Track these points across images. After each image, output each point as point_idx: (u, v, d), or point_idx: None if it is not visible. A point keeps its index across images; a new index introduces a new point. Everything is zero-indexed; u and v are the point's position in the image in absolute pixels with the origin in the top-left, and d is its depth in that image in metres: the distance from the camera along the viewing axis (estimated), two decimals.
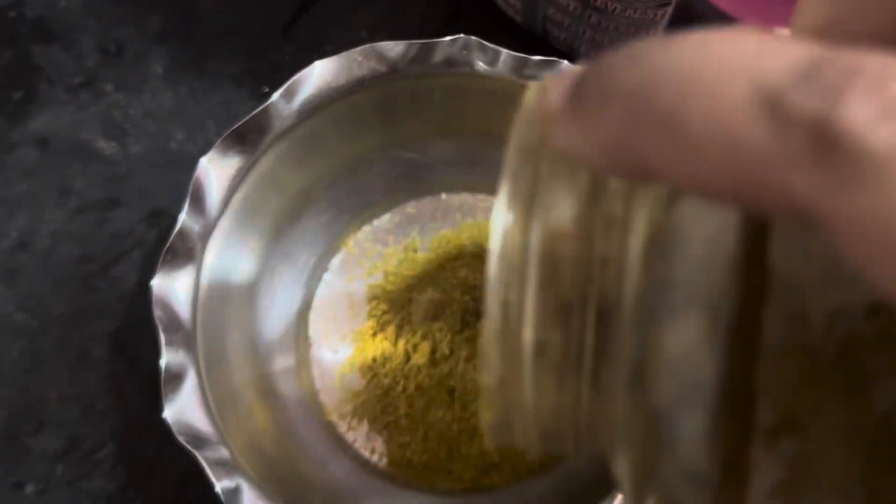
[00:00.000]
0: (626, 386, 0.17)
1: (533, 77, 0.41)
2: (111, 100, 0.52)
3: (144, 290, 0.39)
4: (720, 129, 0.11)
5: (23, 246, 0.50)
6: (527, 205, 0.17)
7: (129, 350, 0.48)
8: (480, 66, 0.41)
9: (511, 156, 0.18)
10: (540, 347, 0.17)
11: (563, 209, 0.17)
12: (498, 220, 0.17)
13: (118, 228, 0.50)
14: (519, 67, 0.41)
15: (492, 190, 0.49)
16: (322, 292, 0.49)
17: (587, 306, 0.17)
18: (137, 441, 0.47)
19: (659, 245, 0.16)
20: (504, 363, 0.18)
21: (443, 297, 0.47)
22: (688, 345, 0.16)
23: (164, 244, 0.39)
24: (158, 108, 0.52)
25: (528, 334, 0.17)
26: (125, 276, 0.49)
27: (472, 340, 0.46)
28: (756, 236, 0.15)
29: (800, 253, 0.15)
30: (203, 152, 0.40)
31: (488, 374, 0.18)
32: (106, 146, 0.51)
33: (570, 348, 0.17)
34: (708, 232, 0.16)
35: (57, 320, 0.49)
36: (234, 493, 0.37)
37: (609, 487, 0.37)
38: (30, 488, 0.47)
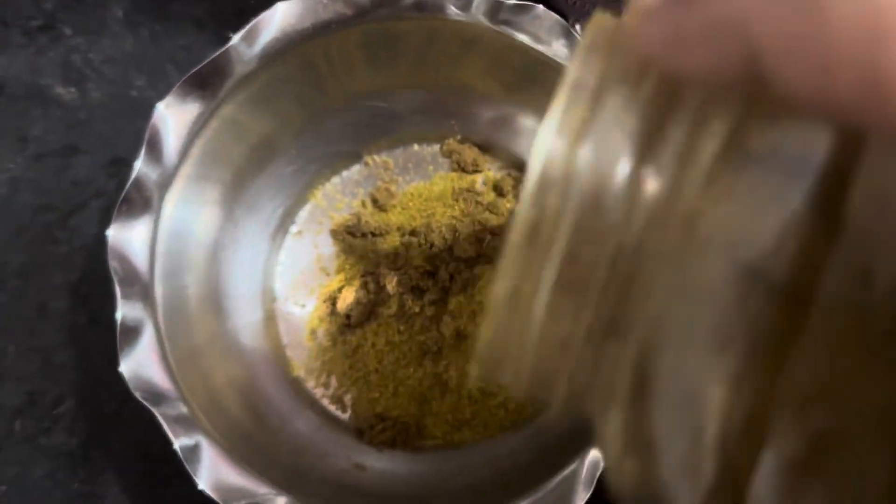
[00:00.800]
0: (632, 361, 0.16)
1: (507, 22, 0.39)
2: (70, 44, 0.50)
3: (104, 242, 0.37)
4: None
5: None
6: (578, 136, 0.16)
7: (89, 303, 0.47)
8: (452, 10, 0.39)
9: (568, 84, 0.16)
10: (567, 262, 0.16)
11: (614, 153, 0.15)
12: (544, 143, 0.16)
13: (78, 177, 0.48)
14: (493, 12, 0.39)
15: (464, 142, 0.48)
16: (289, 245, 0.47)
17: (616, 262, 0.16)
18: (98, 396, 0.46)
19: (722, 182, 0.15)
20: (522, 272, 0.16)
21: (412, 252, 0.45)
22: (715, 280, 0.15)
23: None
24: (119, 53, 0.50)
25: (557, 248, 0.16)
26: (85, 226, 0.47)
27: (441, 299, 0.45)
28: (836, 181, 0.14)
29: (880, 205, 0.14)
30: (163, 97, 0.38)
31: (503, 282, 0.16)
32: (65, 92, 0.49)
33: (595, 282, 0.16)
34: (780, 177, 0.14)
35: (14, 272, 0.47)
36: (193, 450, 0.36)
37: (580, 445, 0.36)
38: None
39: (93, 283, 0.47)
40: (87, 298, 0.47)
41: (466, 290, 0.45)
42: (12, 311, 0.47)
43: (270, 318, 0.46)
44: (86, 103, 0.49)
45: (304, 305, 0.46)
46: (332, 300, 0.46)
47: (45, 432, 0.46)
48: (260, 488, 0.36)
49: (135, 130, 0.38)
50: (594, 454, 0.35)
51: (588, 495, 0.35)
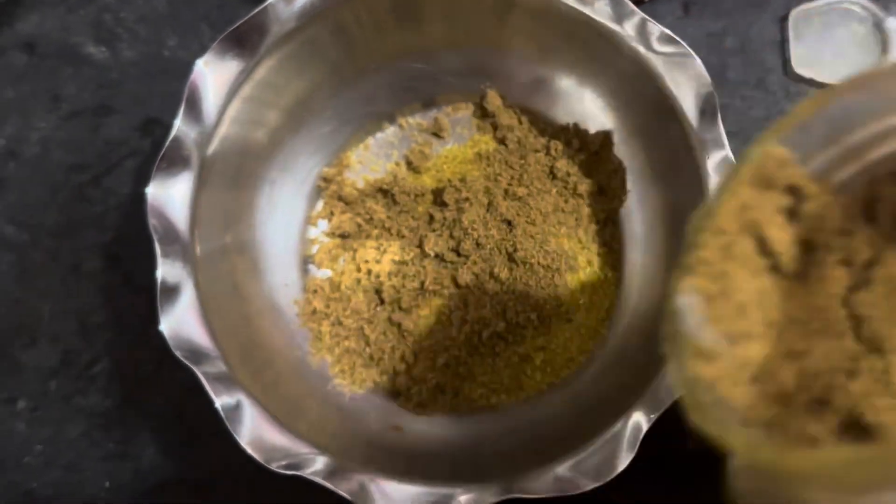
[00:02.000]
0: None
1: None
2: (102, 3, 0.49)
3: (138, 201, 0.37)
4: None
5: (11, 154, 0.48)
6: None
7: (123, 262, 0.46)
8: None
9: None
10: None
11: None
12: None
13: (111, 136, 0.48)
14: None
15: (499, 104, 0.47)
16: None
17: None
18: (134, 356, 0.46)
19: None
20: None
21: (450, 215, 0.45)
22: None
23: (158, 153, 0.37)
24: (151, 12, 0.49)
25: None
26: (118, 186, 0.47)
27: (483, 260, 0.44)
28: None
29: None
30: (197, 58, 0.38)
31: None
32: (96, 51, 0.49)
33: None
34: None
35: (49, 231, 0.47)
36: (235, 409, 0.35)
37: (620, 409, 0.36)
38: (22, 404, 0.46)
39: (127, 244, 0.46)
40: (122, 259, 0.46)
41: (502, 251, 0.44)
42: (47, 272, 0.47)
43: (306, 279, 0.46)
44: (118, 63, 0.49)
45: (340, 268, 0.46)
46: (368, 261, 0.46)
47: (81, 392, 0.46)
48: (301, 448, 0.36)
49: (168, 90, 0.38)
50: (637, 417, 0.35)
51: (631, 457, 0.35)
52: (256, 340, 0.41)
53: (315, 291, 0.45)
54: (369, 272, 0.45)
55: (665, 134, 0.40)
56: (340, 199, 0.46)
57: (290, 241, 0.46)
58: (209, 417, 0.35)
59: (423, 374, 0.44)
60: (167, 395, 0.45)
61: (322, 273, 0.46)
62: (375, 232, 0.46)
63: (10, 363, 0.46)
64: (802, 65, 0.46)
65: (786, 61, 0.47)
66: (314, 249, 0.46)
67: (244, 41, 0.38)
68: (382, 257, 0.45)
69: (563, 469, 0.35)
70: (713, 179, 0.38)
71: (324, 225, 0.47)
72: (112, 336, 0.46)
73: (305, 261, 0.46)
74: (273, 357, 0.42)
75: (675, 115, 0.39)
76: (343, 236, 0.46)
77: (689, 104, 0.38)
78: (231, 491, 0.44)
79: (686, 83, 0.39)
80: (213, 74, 0.38)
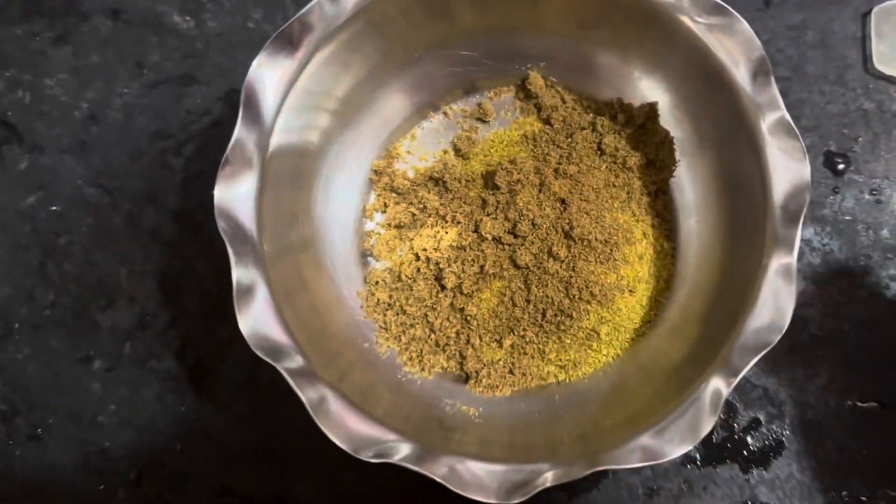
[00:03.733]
0: None
1: None
2: None
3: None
4: None
5: (94, 118, 0.48)
6: None
7: (202, 231, 0.47)
8: None
9: None
10: None
11: None
12: None
13: (194, 106, 0.48)
14: None
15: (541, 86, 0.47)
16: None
17: None
18: (209, 322, 0.46)
19: None
20: None
21: (503, 198, 0.45)
22: None
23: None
24: None
25: None
26: (200, 155, 0.48)
27: (541, 240, 0.45)
28: None
29: None
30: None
31: None
32: (181, 20, 0.49)
33: None
34: None
35: (129, 196, 0.47)
36: (320, 402, 0.36)
37: (694, 375, 0.37)
38: (97, 364, 0.46)
39: (206, 212, 0.47)
40: (202, 226, 0.47)
41: (559, 229, 0.45)
42: (126, 235, 0.47)
43: (366, 271, 0.46)
44: (203, 33, 0.49)
45: (399, 259, 0.46)
46: (426, 250, 0.46)
47: (156, 356, 0.46)
48: (387, 435, 0.36)
49: (251, 62, 0.38)
50: (715, 382, 0.35)
51: (714, 421, 0.35)
52: (327, 333, 0.42)
53: (377, 283, 0.46)
54: (428, 260, 0.46)
55: (714, 100, 0.41)
56: (393, 190, 0.47)
57: (347, 235, 0.46)
58: (280, 385, 0.35)
59: (490, 356, 0.44)
60: (240, 362, 0.46)
61: (381, 264, 0.46)
62: (430, 220, 0.47)
63: (88, 323, 0.46)
64: (883, 61, 0.47)
65: (866, 58, 0.47)
66: (372, 242, 0.47)
67: (294, 41, 0.39)
68: (440, 244, 0.46)
69: (646, 438, 0.36)
70: (769, 141, 0.38)
71: (379, 217, 0.47)
72: (188, 302, 0.47)
73: (364, 253, 0.46)
74: (343, 348, 0.42)
75: (724, 81, 0.39)
76: (399, 227, 0.47)
77: (740, 69, 0.39)
78: (300, 460, 0.45)
79: (736, 48, 0.39)
80: (267, 75, 0.38)
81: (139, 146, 0.48)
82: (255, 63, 0.38)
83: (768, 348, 0.35)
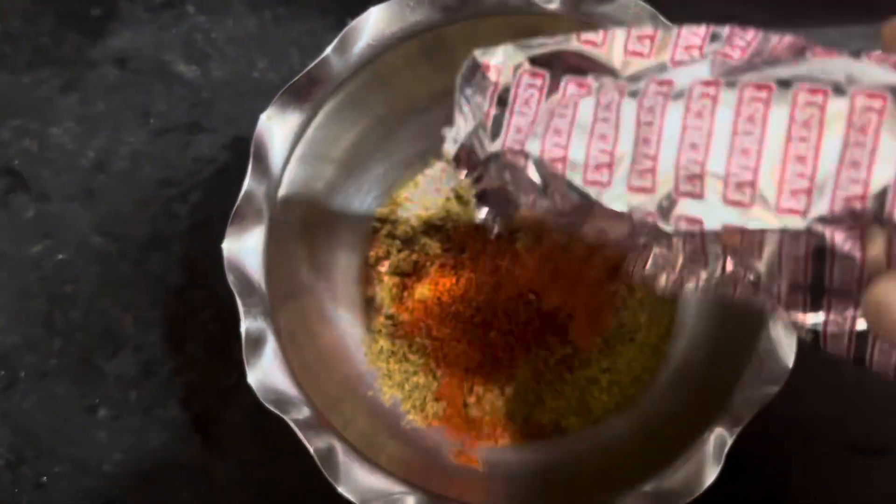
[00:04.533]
0: None
1: (591, 14, 0.38)
2: (193, 22, 0.51)
3: (224, 220, 0.38)
4: None
5: (100, 167, 0.49)
6: None
7: (208, 278, 0.47)
8: (537, 5, 0.39)
9: None
10: None
11: None
12: None
13: (200, 154, 0.49)
14: (576, 4, 0.38)
15: None
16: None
17: None
18: (215, 369, 0.47)
19: None
20: None
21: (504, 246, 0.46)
22: None
23: (245, 172, 0.38)
24: (242, 34, 0.50)
25: None
26: (206, 202, 0.48)
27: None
28: None
29: None
30: (286, 81, 0.39)
31: None
32: (187, 69, 0.50)
33: None
34: None
35: (136, 244, 0.48)
36: (328, 453, 0.36)
37: (696, 426, 0.37)
38: (103, 412, 0.46)
39: (211, 259, 0.47)
40: (206, 273, 0.47)
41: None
42: (132, 283, 0.47)
43: (370, 319, 0.47)
44: (209, 82, 0.50)
45: (402, 307, 0.47)
46: (428, 298, 0.46)
47: (161, 404, 0.46)
48: (394, 487, 0.37)
49: (257, 111, 0.39)
50: (719, 431, 0.36)
51: (718, 471, 0.35)
52: (331, 381, 0.42)
53: (380, 331, 0.46)
54: (429, 309, 0.46)
55: None
56: (396, 237, 0.47)
57: (350, 282, 0.47)
58: (285, 431, 0.35)
59: (492, 404, 0.45)
60: (246, 409, 0.46)
61: (385, 312, 0.47)
62: (433, 269, 0.47)
63: (93, 371, 0.47)
64: None
65: None
66: (376, 289, 0.47)
67: (303, 94, 0.39)
68: (441, 293, 0.46)
69: (649, 488, 0.36)
70: None
71: (383, 265, 0.48)
72: (193, 349, 0.47)
73: (367, 301, 0.47)
74: (346, 396, 0.43)
75: None
76: (402, 275, 0.47)
77: None
78: None
79: None
80: (276, 128, 0.39)
81: (146, 194, 0.48)
82: (263, 116, 0.38)
83: (772, 396, 0.35)
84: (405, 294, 0.47)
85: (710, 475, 0.35)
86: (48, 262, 0.48)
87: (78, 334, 0.47)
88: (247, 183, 0.38)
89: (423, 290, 0.46)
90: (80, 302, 0.47)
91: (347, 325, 0.46)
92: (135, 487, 0.45)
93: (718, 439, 0.36)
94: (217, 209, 0.48)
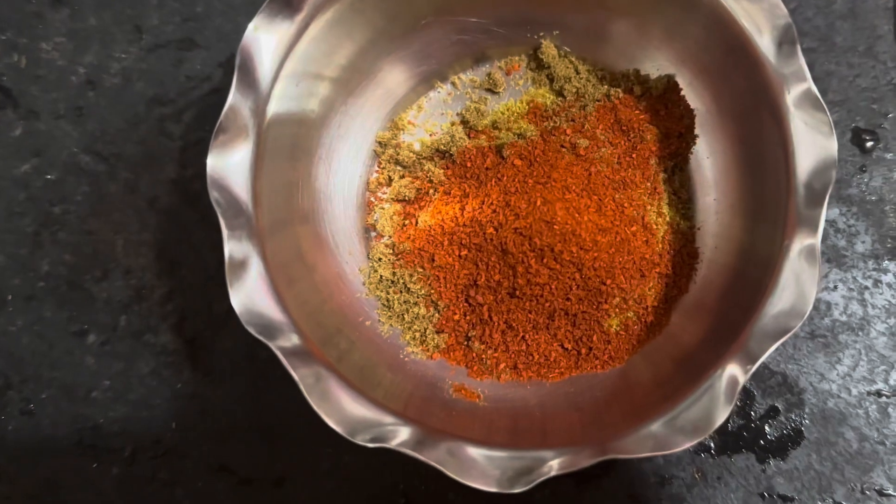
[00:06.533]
0: None
1: None
2: None
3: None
4: None
5: (91, 83, 0.47)
6: None
7: (202, 200, 0.45)
8: None
9: None
10: None
11: None
12: None
13: (193, 71, 0.47)
14: None
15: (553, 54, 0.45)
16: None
17: None
18: (207, 295, 0.45)
19: None
20: None
21: (513, 173, 0.44)
22: None
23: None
24: None
25: None
26: (200, 122, 0.46)
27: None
28: None
29: None
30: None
31: None
32: None
33: None
34: None
35: (126, 164, 0.46)
36: (315, 382, 0.34)
37: (706, 360, 0.35)
38: (92, 337, 0.45)
39: (205, 181, 0.45)
40: (200, 196, 0.46)
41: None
42: (123, 204, 0.46)
43: (369, 247, 0.45)
44: None
45: (403, 234, 0.45)
46: (431, 226, 0.44)
47: (152, 329, 0.45)
48: (385, 418, 0.35)
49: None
50: (732, 369, 0.34)
51: (729, 410, 0.33)
52: (326, 310, 0.40)
53: (380, 259, 0.44)
54: (432, 237, 0.44)
55: (736, 71, 0.39)
56: (398, 163, 0.45)
57: (350, 209, 0.45)
58: (279, 361, 0.34)
59: (497, 339, 0.43)
60: (238, 337, 0.44)
61: (385, 240, 0.45)
62: (437, 195, 0.45)
63: (82, 295, 0.45)
64: None
65: None
66: (375, 216, 0.45)
67: (293, 2, 0.37)
68: (445, 220, 0.44)
69: (658, 426, 0.34)
70: (794, 114, 0.36)
71: (384, 191, 0.45)
72: (186, 274, 0.45)
73: (367, 228, 0.45)
74: (343, 326, 0.41)
75: (747, 50, 0.37)
76: (403, 201, 0.45)
77: (764, 37, 0.37)
78: (298, 439, 0.43)
79: (760, 16, 0.37)
80: (264, 39, 0.37)
81: (137, 112, 0.46)
82: (251, 26, 0.36)
83: (789, 334, 0.33)
84: (407, 222, 0.45)
85: (721, 416, 0.33)
86: (36, 181, 0.46)
87: (66, 256, 0.45)
88: (231, 96, 0.36)
89: (425, 218, 0.44)
90: (69, 223, 0.46)
91: (345, 253, 0.43)
92: (123, 415, 0.44)
93: (730, 378, 0.34)
94: (211, 129, 0.46)
